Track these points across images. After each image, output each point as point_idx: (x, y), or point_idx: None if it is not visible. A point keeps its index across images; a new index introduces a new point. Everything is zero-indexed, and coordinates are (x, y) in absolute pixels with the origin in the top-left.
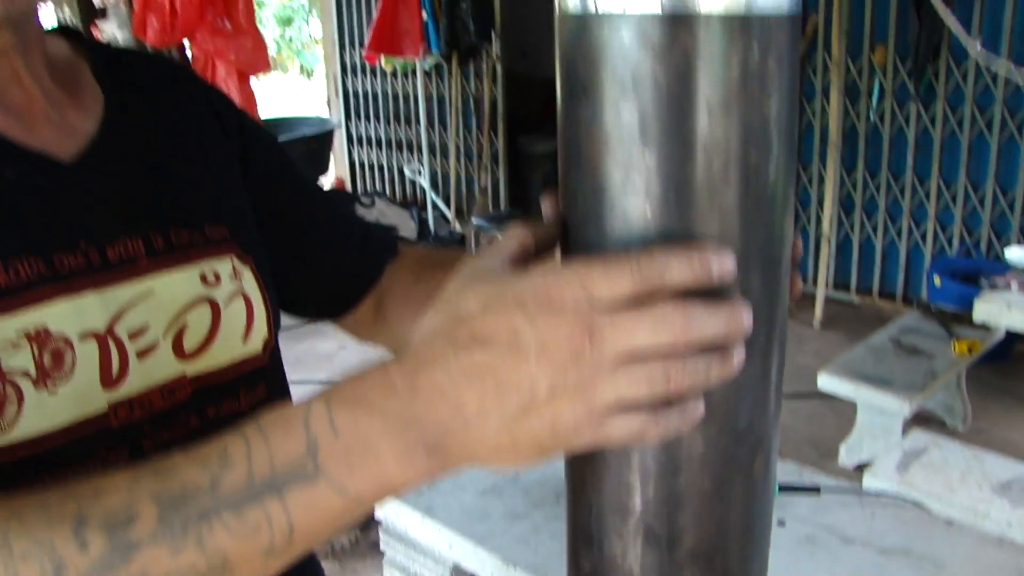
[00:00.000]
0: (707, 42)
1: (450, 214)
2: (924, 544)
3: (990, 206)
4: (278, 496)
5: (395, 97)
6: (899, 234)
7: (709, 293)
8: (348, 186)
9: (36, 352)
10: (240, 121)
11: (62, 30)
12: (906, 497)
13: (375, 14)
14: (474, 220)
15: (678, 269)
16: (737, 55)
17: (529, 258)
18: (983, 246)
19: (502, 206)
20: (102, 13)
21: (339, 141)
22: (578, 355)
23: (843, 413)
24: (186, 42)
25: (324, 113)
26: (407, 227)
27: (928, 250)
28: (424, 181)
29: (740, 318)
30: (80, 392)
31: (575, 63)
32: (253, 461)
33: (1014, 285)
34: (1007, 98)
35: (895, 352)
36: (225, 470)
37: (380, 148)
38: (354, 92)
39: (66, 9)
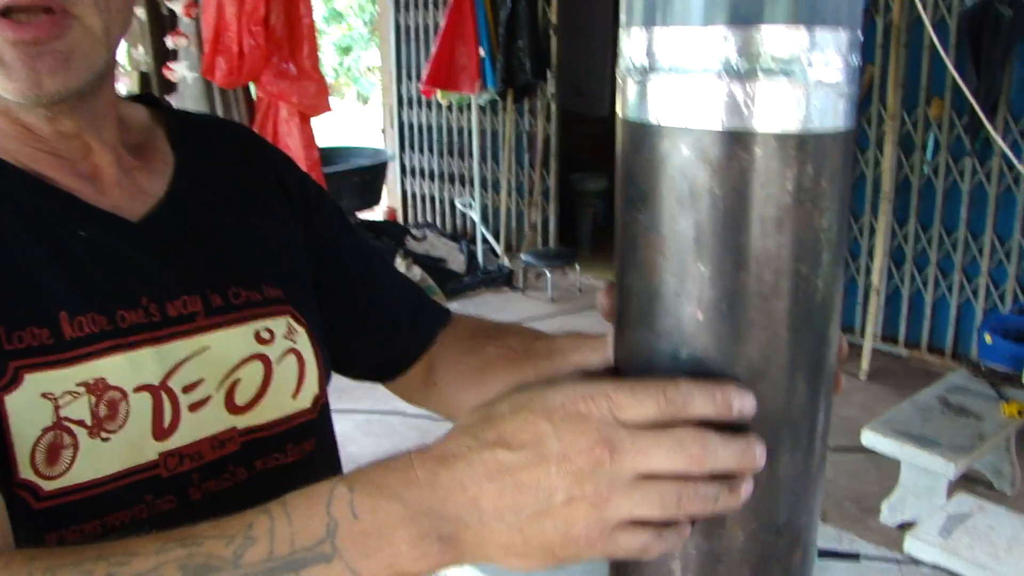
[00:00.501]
0: (763, 159)
1: (499, 248)
2: None
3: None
4: (295, 574)
5: (449, 130)
6: (950, 289)
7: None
8: (400, 217)
9: (93, 402)
10: (304, 187)
11: (143, 98)
12: (948, 568)
13: (433, 48)
14: (523, 256)
15: (701, 403)
16: (792, 173)
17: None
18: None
19: (551, 242)
20: (173, 55)
21: (392, 172)
22: (597, 468)
23: (887, 469)
24: (251, 84)
25: (378, 143)
26: (456, 260)
27: (980, 306)
28: (475, 215)
29: (753, 454)
30: (132, 442)
31: (635, 171)
32: (275, 539)
33: None
34: None
35: (942, 411)
36: (248, 545)
37: (432, 180)
38: (409, 123)
39: (140, 49)
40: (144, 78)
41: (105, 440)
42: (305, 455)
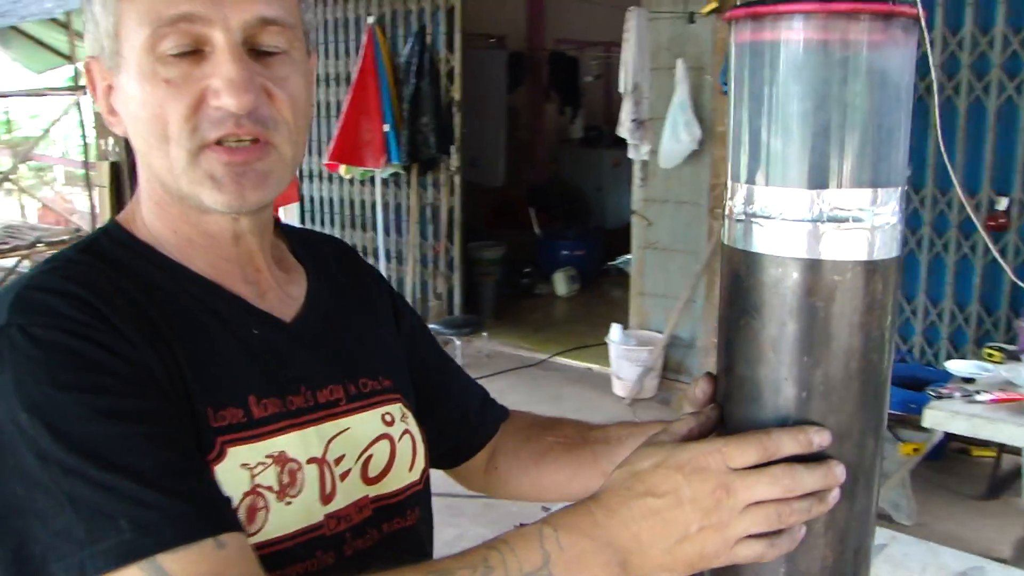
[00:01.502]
0: (849, 280)
1: None
2: None
3: (922, 317)
4: None
5: (351, 203)
6: None
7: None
8: None
9: (278, 472)
10: (392, 296)
11: None
12: None
13: (337, 124)
14: (432, 325)
15: (788, 445)
16: (867, 289)
17: (693, 438)
18: (916, 353)
19: (456, 311)
20: None
21: None
22: (718, 504)
23: None
24: None
25: (282, 216)
26: None
27: None
28: None
29: (834, 475)
30: (306, 505)
31: (747, 287)
32: (508, 567)
33: (957, 394)
34: (961, 223)
35: None
36: (489, 572)
37: None
38: (311, 197)
39: (111, 140)
40: (115, 167)
41: (288, 504)
42: (417, 520)
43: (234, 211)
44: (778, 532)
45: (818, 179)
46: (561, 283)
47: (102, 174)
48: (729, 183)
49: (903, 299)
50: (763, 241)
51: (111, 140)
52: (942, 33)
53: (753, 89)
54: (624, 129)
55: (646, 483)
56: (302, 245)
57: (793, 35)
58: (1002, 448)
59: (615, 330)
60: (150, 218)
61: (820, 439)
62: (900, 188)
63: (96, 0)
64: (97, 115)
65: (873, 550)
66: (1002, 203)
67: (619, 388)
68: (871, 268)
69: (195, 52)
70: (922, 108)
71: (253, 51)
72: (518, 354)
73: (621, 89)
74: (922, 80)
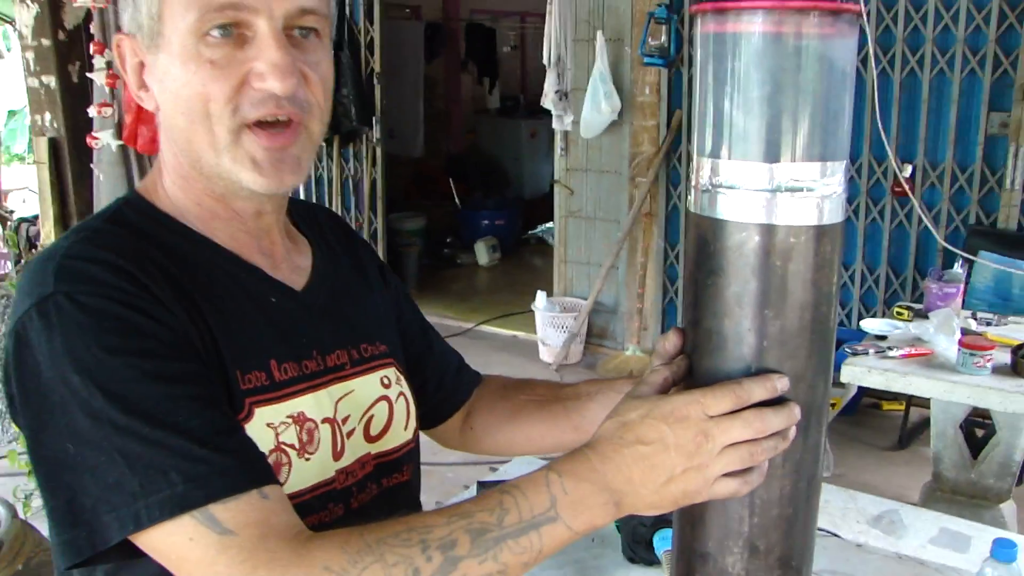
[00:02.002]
0: (803, 242)
1: None
2: (845, 565)
3: (859, 282)
4: (536, 530)
5: None
6: None
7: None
8: None
9: (298, 431)
10: (380, 266)
11: None
12: (825, 529)
13: None
14: None
15: (758, 391)
16: (818, 249)
17: (668, 387)
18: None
19: None
20: (89, 124)
21: None
22: (699, 448)
23: None
24: None
25: None
26: None
27: None
28: None
29: (794, 415)
30: (322, 462)
31: (712, 250)
32: (521, 510)
33: (871, 351)
34: (869, 189)
35: None
36: (504, 515)
37: None
38: None
39: (48, 115)
40: (53, 143)
41: (307, 460)
42: (411, 475)
43: (272, 193)
44: (749, 469)
45: (775, 154)
46: (482, 253)
47: (39, 150)
48: (695, 158)
49: None
50: (727, 209)
51: (48, 116)
52: (877, 7)
53: (717, 74)
54: (548, 100)
55: (635, 432)
56: (302, 217)
57: (753, 28)
58: (910, 401)
59: (540, 297)
60: (173, 190)
61: (782, 385)
62: (844, 161)
63: None
64: (32, 90)
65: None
66: (906, 170)
67: (545, 354)
68: (821, 231)
69: (239, 37)
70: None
71: (291, 38)
72: (444, 323)
73: (544, 61)
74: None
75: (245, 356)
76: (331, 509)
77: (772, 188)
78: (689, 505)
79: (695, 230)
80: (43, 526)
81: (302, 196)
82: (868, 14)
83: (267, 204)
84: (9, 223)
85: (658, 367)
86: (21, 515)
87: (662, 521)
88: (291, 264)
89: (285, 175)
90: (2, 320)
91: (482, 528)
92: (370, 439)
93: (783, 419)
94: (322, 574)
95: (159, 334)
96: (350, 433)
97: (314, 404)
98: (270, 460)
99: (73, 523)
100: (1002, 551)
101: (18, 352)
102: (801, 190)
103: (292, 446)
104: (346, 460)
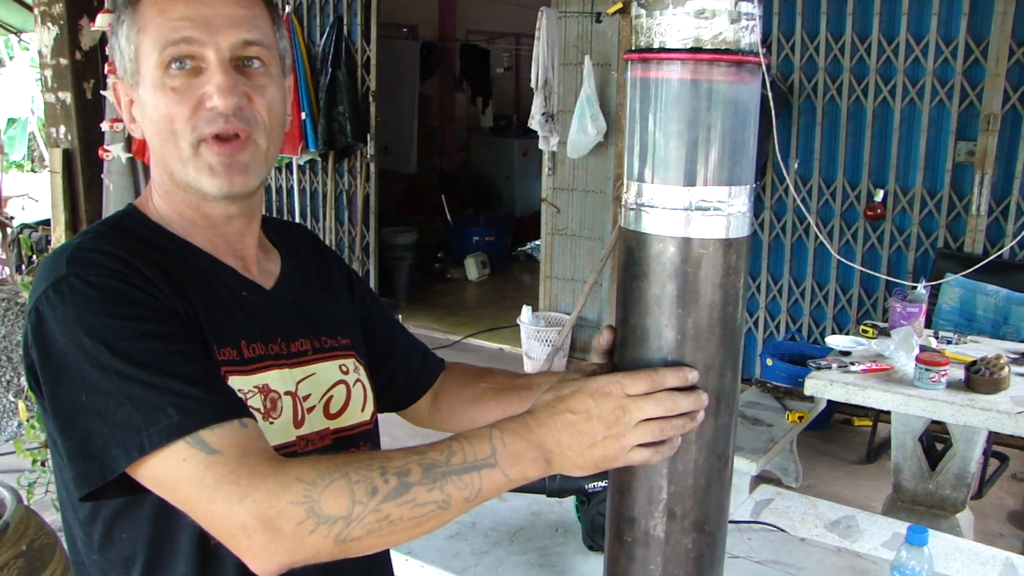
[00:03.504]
0: (712, 252)
1: None
2: (788, 556)
3: (809, 299)
4: (477, 472)
5: (269, 189)
6: None
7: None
8: None
9: (263, 399)
10: (348, 273)
11: None
12: (770, 524)
13: None
14: None
15: (671, 379)
16: (725, 258)
17: (611, 351)
18: (804, 332)
19: None
20: (101, 138)
21: None
22: (617, 420)
23: None
24: None
25: None
26: None
27: (760, 336)
28: None
29: (702, 400)
30: (284, 427)
31: (638, 258)
32: (466, 453)
33: (834, 365)
34: (819, 209)
35: (741, 422)
36: (452, 455)
37: None
38: None
39: (62, 128)
40: (67, 154)
41: (271, 424)
42: (369, 450)
43: (224, 194)
44: (661, 442)
45: (690, 179)
46: (472, 268)
47: (54, 161)
48: (625, 180)
49: (792, 281)
50: (650, 224)
51: (63, 129)
52: (852, 39)
53: (643, 111)
54: (535, 122)
55: (566, 403)
56: (276, 232)
57: (672, 74)
58: (878, 417)
59: (526, 312)
60: (160, 203)
61: (692, 376)
62: (749, 185)
63: (121, 34)
64: (49, 104)
65: (760, 503)
66: (878, 194)
67: (529, 367)
68: (727, 244)
69: (194, 69)
70: (809, 107)
71: (238, 67)
72: (432, 336)
73: (533, 84)
74: (809, 82)
75: (219, 334)
76: None
77: (687, 207)
78: (618, 476)
79: (624, 242)
80: (45, 513)
81: (297, 209)
82: (843, 46)
83: (232, 208)
84: (10, 229)
85: (591, 362)
86: (25, 502)
87: None
88: (262, 268)
89: (235, 177)
90: (2, 322)
91: (432, 463)
92: (329, 416)
93: (691, 402)
94: (294, 484)
95: (153, 305)
96: (310, 409)
97: (278, 379)
98: None
99: (86, 458)
100: (915, 535)
101: (38, 325)
102: (711, 209)
103: (258, 410)
104: (306, 429)
